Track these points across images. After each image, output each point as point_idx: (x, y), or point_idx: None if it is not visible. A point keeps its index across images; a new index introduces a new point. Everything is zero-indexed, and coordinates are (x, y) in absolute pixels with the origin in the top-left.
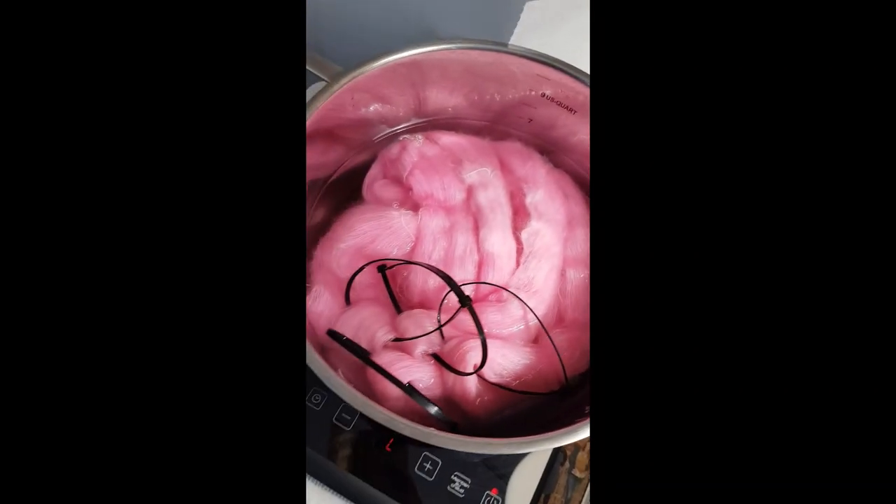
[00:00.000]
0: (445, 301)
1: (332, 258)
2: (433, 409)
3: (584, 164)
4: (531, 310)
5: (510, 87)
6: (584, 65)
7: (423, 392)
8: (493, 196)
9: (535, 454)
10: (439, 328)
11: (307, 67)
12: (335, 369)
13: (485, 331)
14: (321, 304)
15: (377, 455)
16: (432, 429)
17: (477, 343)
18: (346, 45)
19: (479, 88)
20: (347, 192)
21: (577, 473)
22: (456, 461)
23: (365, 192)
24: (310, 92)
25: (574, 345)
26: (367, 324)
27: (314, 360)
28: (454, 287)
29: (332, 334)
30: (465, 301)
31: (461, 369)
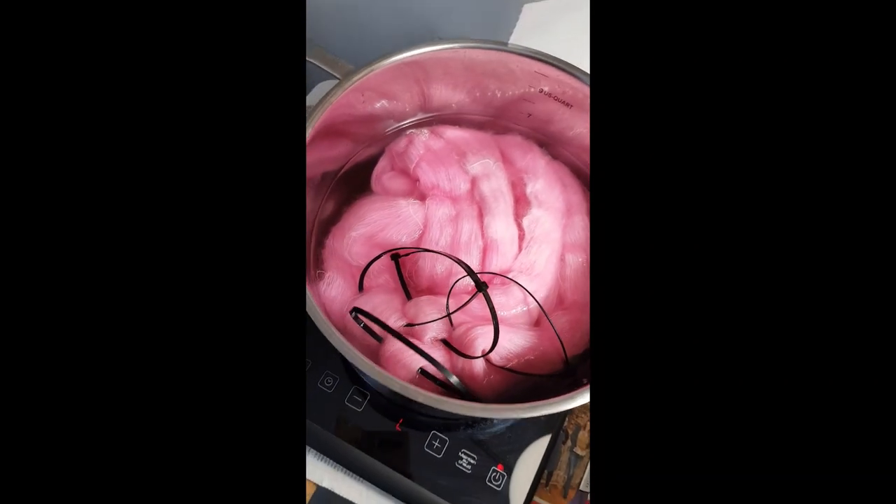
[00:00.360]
0: (454, 287)
1: (343, 246)
2: (453, 379)
3: (580, 157)
4: (531, 295)
5: (510, 84)
6: (580, 63)
7: (433, 375)
8: (496, 186)
9: (539, 432)
10: (450, 314)
11: (321, 65)
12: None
13: (487, 311)
14: (334, 290)
15: (388, 435)
16: (444, 397)
17: (485, 329)
18: (350, 47)
19: (481, 86)
20: (356, 184)
21: (578, 451)
22: (463, 440)
23: (374, 183)
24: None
25: (574, 326)
26: (380, 310)
27: (333, 335)
28: (471, 273)
29: (357, 311)
30: (481, 287)
31: (470, 353)
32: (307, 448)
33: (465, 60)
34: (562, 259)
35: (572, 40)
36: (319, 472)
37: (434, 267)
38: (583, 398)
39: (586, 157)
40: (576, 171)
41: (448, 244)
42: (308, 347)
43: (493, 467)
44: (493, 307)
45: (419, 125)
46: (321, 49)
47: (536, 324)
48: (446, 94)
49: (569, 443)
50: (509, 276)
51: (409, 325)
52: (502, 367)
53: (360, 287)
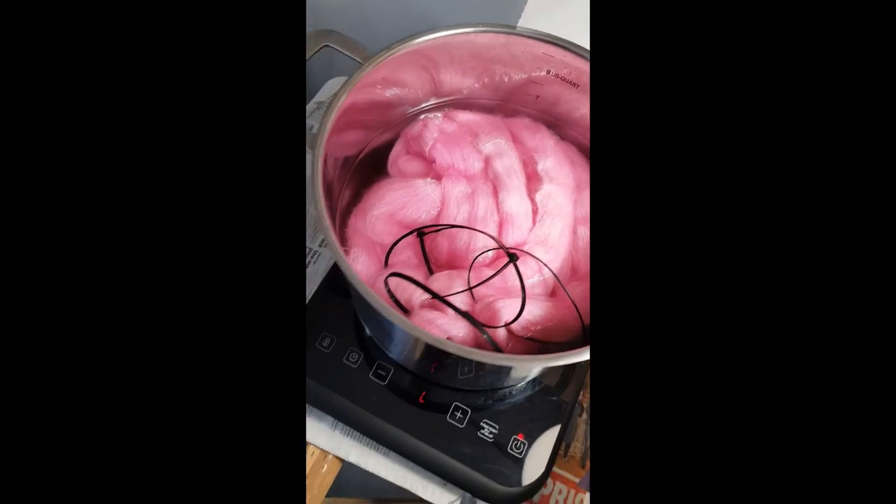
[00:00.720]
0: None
1: (366, 225)
2: (484, 335)
3: (587, 136)
4: (547, 266)
5: (517, 68)
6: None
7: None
8: (509, 164)
9: (556, 403)
10: (474, 287)
11: (343, 50)
12: None
13: (507, 283)
14: (360, 265)
15: (412, 406)
16: (474, 349)
17: (507, 302)
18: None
19: (490, 71)
20: (373, 168)
21: None
22: (484, 409)
23: (390, 167)
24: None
25: (589, 295)
26: (404, 285)
27: (370, 294)
28: (501, 245)
29: (395, 274)
30: (513, 257)
31: (494, 325)
32: (335, 423)
33: (474, 46)
34: (574, 232)
35: (575, 25)
36: (346, 447)
37: (454, 242)
38: None
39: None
40: (583, 151)
41: (466, 220)
42: (333, 326)
43: (514, 436)
44: (522, 275)
45: (431, 110)
46: (341, 35)
47: (552, 294)
48: (456, 81)
49: (584, 415)
50: (524, 248)
51: (435, 296)
52: (523, 337)
53: (386, 263)
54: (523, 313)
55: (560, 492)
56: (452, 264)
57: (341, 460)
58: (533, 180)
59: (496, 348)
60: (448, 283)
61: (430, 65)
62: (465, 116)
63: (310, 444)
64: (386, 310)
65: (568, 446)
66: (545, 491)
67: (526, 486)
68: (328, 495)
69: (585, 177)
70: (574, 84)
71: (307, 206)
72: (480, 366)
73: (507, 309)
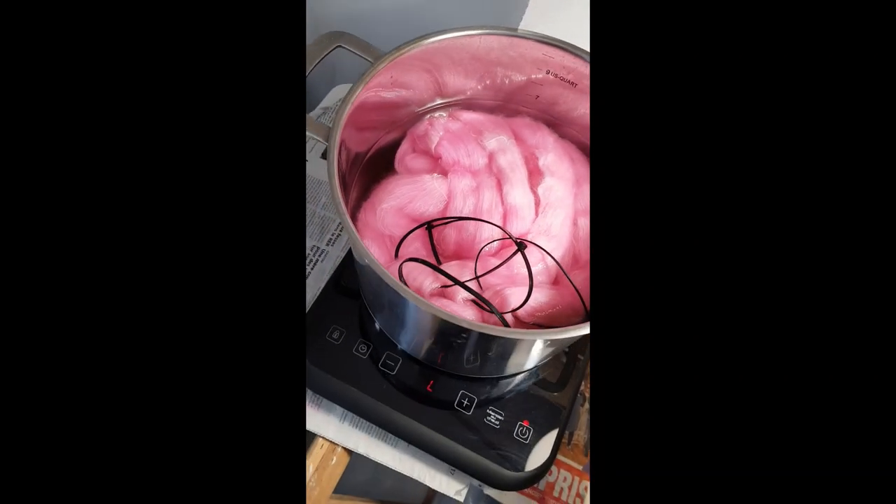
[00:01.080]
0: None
1: (376, 218)
2: (496, 314)
3: (585, 135)
4: (550, 254)
5: (519, 69)
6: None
7: None
8: (511, 159)
9: (559, 391)
10: (481, 276)
11: (354, 50)
12: None
13: (512, 271)
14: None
15: (420, 395)
16: (485, 324)
17: (514, 289)
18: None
19: (492, 73)
20: (381, 166)
21: None
22: (490, 398)
23: (397, 165)
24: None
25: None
26: (415, 275)
27: (386, 274)
28: (508, 235)
29: (411, 259)
30: (521, 246)
31: (502, 311)
32: (344, 416)
33: (477, 50)
34: (574, 223)
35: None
36: (355, 438)
37: (461, 234)
38: None
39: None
40: (582, 148)
41: (471, 212)
42: (342, 320)
43: (520, 422)
44: (529, 263)
45: (437, 110)
46: (353, 36)
47: (555, 282)
48: (460, 82)
49: (586, 405)
50: (528, 238)
51: (449, 277)
52: (529, 323)
53: (396, 254)
54: (529, 300)
55: (565, 479)
56: (459, 255)
57: (350, 453)
58: (535, 175)
59: (506, 325)
60: (457, 272)
61: (434, 67)
62: (469, 116)
63: (319, 436)
64: (401, 288)
65: (571, 435)
66: (550, 479)
67: (531, 470)
68: (335, 492)
69: (584, 172)
70: (572, 84)
71: (315, 206)
72: (486, 351)
73: (514, 296)
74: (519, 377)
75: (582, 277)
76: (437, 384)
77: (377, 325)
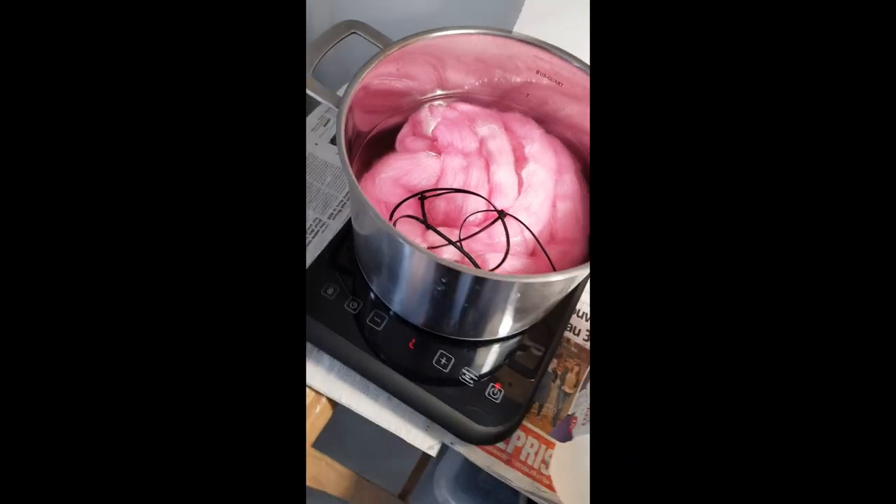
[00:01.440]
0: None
1: (375, 187)
2: (474, 265)
3: (570, 132)
4: (528, 228)
5: (513, 70)
6: (577, 50)
7: None
8: (500, 144)
9: (531, 359)
10: (463, 239)
11: (366, 37)
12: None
13: (493, 240)
14: None
15: (402, 351)
16: (473, 267)
17: (494, 254)
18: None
19: (489, 71)
20: (382, 147)
21: (566, 389)
22: (466, 359)
23: (397, 145)
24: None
25: (564, 257)
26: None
27: (383, 220)
28: (491, 205)
29: (407, 216)
30: (501, 214)
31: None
32: (331, 366)
33: (476, 49)
34: (553, 205)
35: (569, 33)
36: (339, 390)
37: (449, 204)
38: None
39: (574, 132)
40: (566, 144)
41: (461, 187)
42: (337, 280)
43: (492, 384)
44: (507, 229)
45: (436, 100)
46: (366, 25)
47: (532, 254)
48: (460, 78)
49: (558, 381)
50: (510, 212)
51: (438, 233)
52: None
53: (391, 219)
54: (506, 266)
55: (532, 445)
56: (447, 224)
57: (334, 404)
58: (520, 161)
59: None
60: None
61: (438, 62)
62: (465, 107)
63: (306, 385)
64: (394, 231)
65: (541, 407)
66: (518, 443)
67: (499, 428)
68: (315, 447)
69: (566, 163)
70: (559, 84)
71: (321, 185)
72: (465, 302)
73: (493, 260)
74: (495, 347)
75: (557, 251)
76: (419, 342)
77: (371, 289)
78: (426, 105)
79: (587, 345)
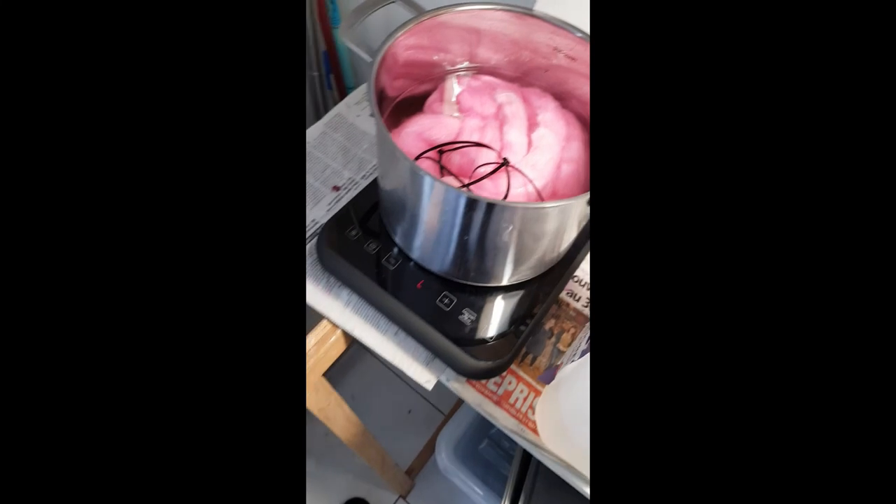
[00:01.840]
0: (474, 172)
1: (400, 139)
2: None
3: (583, 109)
4: (531, 182)
5: (533, 50)
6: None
7: None
8: (515, 110)
9: (523, 307)
10: (472, 183)
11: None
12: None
13: (498, 190)
14: None
15: (411, 290)
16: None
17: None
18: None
19: (516, 53)
20: (411, 111)
21: (560, 347)
22: (467, 302)
23: (425, 108)
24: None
25: None
26: None
27: (402, 153)
28: (499, 156)
29: (423, 154)
30: (505, 161)
31: None
32: (348, 301)
33: (502, 27)
34: (558, 167)
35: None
36: (352, 323)
37: (463, 158)
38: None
39: (587, 109)
40: (578, 118)
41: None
42: (360, 223)
43: (488, 325)
44: (510, 177)
45: (463, 71)
46: None
47: None
48: (487, 54)
49: (553, 339)
50: (517, 166)
51: (450, 173)
52: None
53: None
54: None
55: (521, 391)
56: (460, 174)
57: (348, 339)
58: (532, 126)
59: None
60: (454, 181)
61: (467, 35)
62: (488, 78)
63: (325, 317)
64: (412, 164)
65: (535, 358)
66: (509, 388)
67: (489, 363)
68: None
69: (576, 133)
70: (573, 59)
71: (357, 150)
72: (466, 249)
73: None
74: (495, 294)
75: None
76: (426, 284)
77: (388, 234)
78: (453, 75)
79: (586, 311)
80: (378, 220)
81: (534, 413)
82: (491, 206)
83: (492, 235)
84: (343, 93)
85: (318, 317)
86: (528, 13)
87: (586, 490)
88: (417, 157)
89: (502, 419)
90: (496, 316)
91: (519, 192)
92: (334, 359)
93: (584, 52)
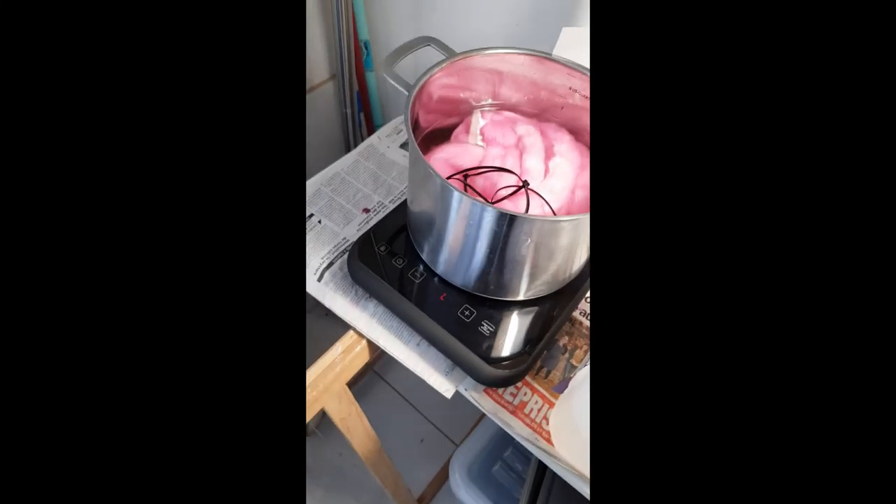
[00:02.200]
0: (496, 194)
1: (431, 163)
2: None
3: None
4: (548, 204)
5: (552, 90)
6: None
7: None
8: (534, 141)
9: (540, 324)
10: (496, 201)
11: (439, 51)
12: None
13: (519, 209)
14: None
15: (435, 301)
16: (508, 210)
17: None
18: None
19: (535, 92)
20: (438, 140)
21: (573, 363)
22: (486, 315)
23: (452, 138)
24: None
25: None
26: None
27: (433, 170)
28: (519, 178)
29: (452, 177)
30: (525, 182)
31: None
32: (374, 313)
33: (521, 69)
34: (573, 192)
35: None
36: (377, 333)
37: (486, 181)
38: None
39: None
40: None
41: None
42: (390, 240)
43: (505, 336)
44: (529, 198)
45: (486, 107)
46: (438, 40)
47: None
48: (510, 93)
49: (566, 355)
50: (535, 189)
51: (475, 192)
52: None
53: None
54: None
55: (536, 402)
56: (483, 195)
57: (372, 352)
58: (549, 155)
59: None
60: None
61: (494, 76)
62: (509, 114)
63: (352, 327)
64: (443, 180)
65: (549, 372)
66: (525, 398)
67: (506, 372)
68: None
69: (588, 162)
70: (587, 98)
71: (387, 177)
72: (487, 264)
73: None
74: (512, 308)
75: None
76: (448, 296)
77: (415, 250)
78: (478, 110)
79: None
80: (405, 239)
81: (548, 423)
82: (512, 219)
83: (511, 248)
84: (371, 129)
85: (346, 327)
86: (547, 57)
87: None
88: (449, 177)
89: (517, 428)
90: (513, 328)
91: (536, 212)
92: (358, 368)
93: None
